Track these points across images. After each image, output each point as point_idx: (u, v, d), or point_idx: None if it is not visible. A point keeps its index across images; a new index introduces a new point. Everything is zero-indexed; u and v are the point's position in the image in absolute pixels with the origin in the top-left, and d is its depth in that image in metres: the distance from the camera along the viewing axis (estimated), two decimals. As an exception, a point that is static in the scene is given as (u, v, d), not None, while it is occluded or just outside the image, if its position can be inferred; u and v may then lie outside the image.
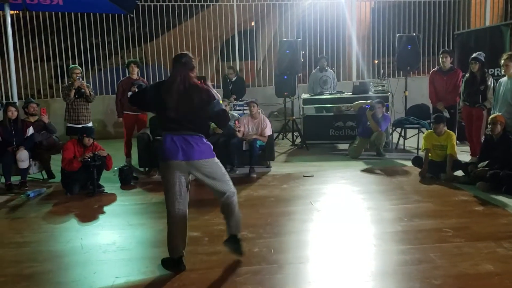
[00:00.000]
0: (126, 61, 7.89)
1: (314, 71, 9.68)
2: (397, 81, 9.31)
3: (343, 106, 9.29)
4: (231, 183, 3.61)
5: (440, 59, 7.62)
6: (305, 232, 4.34)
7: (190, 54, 3.50)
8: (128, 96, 7.13)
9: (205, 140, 3.47)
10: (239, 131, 6.97)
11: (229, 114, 7.23)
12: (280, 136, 9.52)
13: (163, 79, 10.90)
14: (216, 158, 3.54)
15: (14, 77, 7.66)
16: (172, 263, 3.51)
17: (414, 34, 9.38)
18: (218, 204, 3.64)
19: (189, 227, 4.21)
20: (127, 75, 7.52)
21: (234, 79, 9.20)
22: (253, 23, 13.08)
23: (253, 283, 3.29)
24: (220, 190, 3.53)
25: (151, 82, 10.62)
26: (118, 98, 7.41)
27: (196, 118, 3.40)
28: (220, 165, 3.57)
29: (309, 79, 9.85)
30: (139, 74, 7.57)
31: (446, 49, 8.46)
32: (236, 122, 7.01)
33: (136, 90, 7.08)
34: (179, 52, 3.68)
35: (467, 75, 7.02)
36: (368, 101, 8.04)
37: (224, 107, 3.56)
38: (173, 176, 3.41)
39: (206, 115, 3.42)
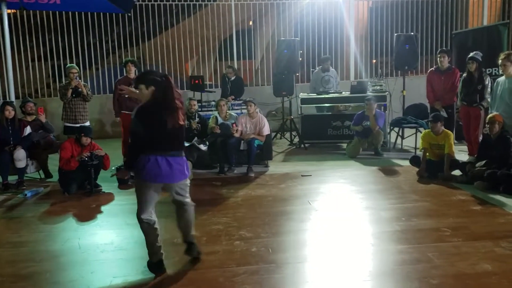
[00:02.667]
0: (123, 61, 7.88)
1: (316, 70, 9.63)
2: (395, 80, 9.32)
3: (340, 106, 9.30)
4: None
5: (438, 58, 7.62)
6: (303, 232, 4.34)
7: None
8: (126, 96, 7.08)
9: (184, 159, 3.51)
10: (236, 131, 6.98)
11: (228, 114, 7.34)
12: (278, 135, 9.52)
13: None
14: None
15: (11, 76, 7.66)
16: (154, 266, 3.50)
17: (412, 33, 9.39)
18: (214, 204, 3.65)
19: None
20: (124, 74, 7.50)
21: (233, 78, 9.19)
22: (251, 23, 13.07)
23: (251, 282, 3.29)
24: (182, 201, 3.61)
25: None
26: (115, 98, 7.39)
27: (181, 135, 3.47)
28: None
29: (311, 78, 9.82)
30: (136, 73, 7.54)
31: (444, 48, 8.47)
32: (233, 125, 7.02)
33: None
34: (156, 71, 3.73)
35: (465, 74, 7.02)
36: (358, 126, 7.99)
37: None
38: (149, 194, 3.41)
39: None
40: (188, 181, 3.59)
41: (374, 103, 7.82)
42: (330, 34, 11.49)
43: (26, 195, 5.83)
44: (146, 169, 3.28)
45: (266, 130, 7.12)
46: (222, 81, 9.49)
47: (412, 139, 8.04)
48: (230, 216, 4.80)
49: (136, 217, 3.44)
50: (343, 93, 8.97)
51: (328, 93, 9.02)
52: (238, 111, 8.35)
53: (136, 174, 3.40)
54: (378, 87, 8.76)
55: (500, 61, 6.32)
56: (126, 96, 7.08)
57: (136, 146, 3.34)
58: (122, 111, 7.38)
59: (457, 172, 6.17)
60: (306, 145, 8.64)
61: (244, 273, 3.43)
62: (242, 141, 6.96)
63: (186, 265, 3.57)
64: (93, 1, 8.11)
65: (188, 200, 3.63)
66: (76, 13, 10.50)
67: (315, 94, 9.07)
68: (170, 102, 3.33)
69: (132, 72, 7.37)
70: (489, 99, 6.69)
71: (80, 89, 7.00)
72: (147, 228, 3.44)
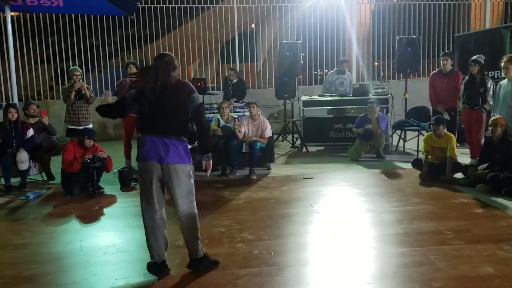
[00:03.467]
0: (125, 62, 7.90)
1: (331, 72, 9.55)
2: (397, 83, 9.32)
3: (351, 109, 9.31)
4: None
5: (441, 61, 7.62)
6: (305, 234, 4.34)
7: (172, 54, 3.50)
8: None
9: (185, 144, 3.41)
10: (239, 131, 6.96)
11: (230, 116, 7.34)
12: (280, 138, 9.52)
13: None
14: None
15: (14, 79, 7.67)
16: (155, 267, 3.44)
17: (414, 36, 9.40)
18: (216, 206, 3.63)
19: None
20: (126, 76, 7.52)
21: (235, 81, 9.19)
22: (253, 25, 13.10)
23: (253, 285, 3.28)
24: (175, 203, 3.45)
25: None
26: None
27: (177, 119, 3.36)
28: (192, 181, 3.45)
29: (324, 79, 9.76)
30: (139, 76, 7.56)
31: (447, 51, 8.47)
32: (236, 120, 7.01)
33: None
34: (161, 52, 3.67)
35: (467, 77, 7.02)
36: (359, 129, 7.99)
37: (201, 101, 3.56)
38: (148, 176, 3.37)
39: (187, 115, 3.38)
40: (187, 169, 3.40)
41: (377, 106, 7.82)
42: (332, 36, 11.50)
43: (28, 197, 5.84)
44: (142, 149, 3.42)
45: (268, 133, 7.12)
46: (224, 84, 9.50)
47: (414, 142, 8.03)
48: (232, 218, 4.80)
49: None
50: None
51: (330, 95, 9.01)
52: (240, 114, 8.35)
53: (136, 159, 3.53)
54: (380, 90, 8.76)
55: (502, 64, 6.32)
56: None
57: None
58: (125, 114, 7.40)
59: (459, 175, 6.17)
60: (308, 148, 8.63)
61: (246, 275, 3.43)
62: (244, 144, 6.97)
63: (187, 267, 3.57)
64: (96, 3, 8.12)
65: (182, 202, 3.39)
66: (79, 15, 10.54)
67: (316, 96, 9.08)
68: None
69: (134, 74, 7.39)
70: (491, 102, 6.68)
71: (83, 92, 7.02)
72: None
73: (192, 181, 3.44)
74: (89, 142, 6.00)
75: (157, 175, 3.36)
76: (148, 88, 3.38)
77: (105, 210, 5.36)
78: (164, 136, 3.32)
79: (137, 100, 3.41)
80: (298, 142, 9.03)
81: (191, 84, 3.52)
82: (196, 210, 3.46)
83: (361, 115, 8.09)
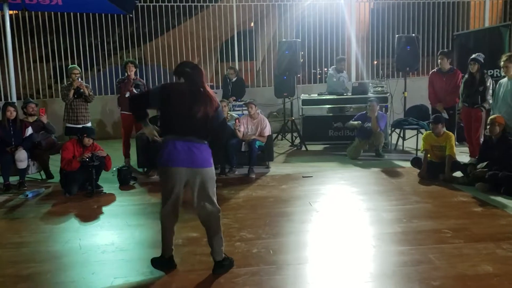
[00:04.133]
0: (124, 61, 7.89)
1: (331, 72, 9.55)
2: (396, 82, 9.31)
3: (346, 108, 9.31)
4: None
5: (438, 60, 7.62)
6: (304, 233, 4.34)
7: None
8: (126, 95, 7.11)
9: (207, 147, 3.42)
10: (239, 130, 6.96)
11: (228, 115, 7.33)
12: (279, 136, 9.52)
13: (162, 79, 10.97)
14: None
15: (13, 77, 7.67)
16: (164, 262, 3.52)
17: (414, 35, 9.39)
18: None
19: (188, 228, 4.22)
20: (125, 75, 7.51)
21: (234, 79, 9.19)
22: (252, 24, 13.08)
23: (252, 284, 3.28)
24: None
25: (150, 83, 10.62)
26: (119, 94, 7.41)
27: (203, 126, 3.36)
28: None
29: (328, 79, 9.74)
30: (137, 74, 7.56)
31: (444, 50, 8.47)
32: (236, 121, 7.00)
33: (134, 90, 7.08)
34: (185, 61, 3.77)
35: (466, 76, 7.02)
36: (357, 122, 8.00)
37: (224, 117, 3.58)
38: (171, 182, 3.36)
39: (211, 124, 3.39)
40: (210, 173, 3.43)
41: (377, 104, 7.82)
42: (331, 35, 11.50)
43: (27, 195, 5.84)
44: (166, 153, 3.35)
45: (268, 131, 7.12)
46: (224, 82, 9.49)
47: (414, 141, 8.04)
48: (231, 217, 4.80)
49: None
50: (345, 94, 8.98)
51: (329, 94, 9.02)
52: (240, 112, 8.35)
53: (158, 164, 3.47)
54: (379, 89, 8.76)
55: (502, 63, 6.32)
56: (126, 95, 7.14)
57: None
58: (122, 112, 7.40)
59: (458, 174, 6.17)
60: (307, 146, 8.63)
61: (245, 274, 3.43)
62: (243, 142, 6.96)
63: (186, 266, 3.57)
64: (95, 2, 8.11)
65: (208, 203, 3.44)
66: (78, 14, 10.52)
67: (316, 95, 9.08)
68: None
69: (133, 73, 7.38)
70: (490, 101, 6.68)
71: (82, 90, 7.01)
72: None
73: (215, 182, 3.50)
74: (88, 141, 5.99)
75: (183, 180, 3.37)
76: (184, 91, 3.35)
77: (104, 209, 5.36)
78: (190, 141, 3.32)
79: (164, 101, 3.36)
80: (297, 141, 9.03)
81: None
82: (219, 208, 3.50)
83: (362, 112, 8.08)
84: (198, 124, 3.32)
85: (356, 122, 7.91)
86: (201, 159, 3.34)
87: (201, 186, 3.38)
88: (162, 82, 8.78)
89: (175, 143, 3.31)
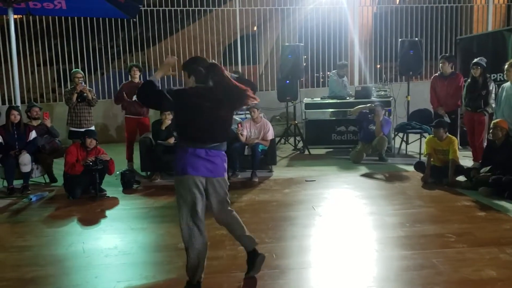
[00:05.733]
0: (128, 65, 7.91)
1: (334, 77, 9.50)
2: (400, 86, 9.31)
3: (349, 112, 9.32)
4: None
5: (440, 65, 7.62)
6: (307, 237, 4.33)
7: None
8: (133, 100, 7.13)
9: (224, 154, 3.22)
10: (242, 134, 6.96)
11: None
12: (282, 140, 9.52)
13: (165, 84, 10.98)
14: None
15: (17, 81, 7.69)
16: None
17: (417, 39, 9.37)
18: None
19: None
20: (129, 79, 7.54)
21: None
22: (255, 28, 13.10)
23: (255, 288, 3.28)
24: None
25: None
26: (120, 99, 7.41)
27: (227, 126, 3.21)
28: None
29: (330, 83, 9.75)
30: (141, 78, 7.59)
31: (445, 54, 8.46)
32: (239, 125, 7.01)
33: None
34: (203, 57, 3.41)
35: (469, 80, 7.01)
36: (368, 105, 8.07)
37: None
38: (190, 193, 3.08)
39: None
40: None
41: (382, 109, 7.81)
42: (334, 39, 11.50)
43: (31, 199, 5.85)
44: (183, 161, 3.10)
45: (271, 135, 7.12)
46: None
47: (417, 145, 8.03)
48: (234, 221, 4.79)
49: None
50: (348, 98, 8.98)
51: (332, 98, 9.02)
52: (243, 116, 8.36)
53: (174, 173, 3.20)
54: (382, 92, 8.76)
55: (506, 67, 6.33)
56: (132, 100, 7.17)
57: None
58: (126, 116, 7.42)
59: (461, 178, 6.15)
60: (310, 150, 8.63)
61: (248, 278, 3.43)
62: (246, 146, 6.97)
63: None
64: (99, 6, 8.15)
65: (223, 210, 3.30)
66: (82, 18, 10.56)
67: (319, 99, 9.09)
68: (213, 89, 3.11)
69: (137, 77, 7.42)
70: (493, 105, 6.68)
71: (85, 94, 7.04)
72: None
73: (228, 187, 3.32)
74: (90, 142, 6.00)
75: (200, 189, 3.11)
76: (207, 94, 3.08)
77: (107, 213, 5.37)
78: (210, 148, 3.09)
79: (183, 105, 3.09)
80: (300, 145, 9.03)
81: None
82: (233, 210, 3.39)
83: (364, 111, 8.05)
84: (223, 129, 3.18)
85: (357, 108, 8.05)
86: (221, 168, 3.18)
87: (218, 194, 3.22)
88: (166, 87, 8.82)
89: (196, 150, 3.08)
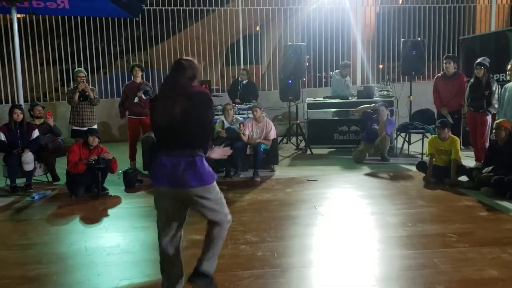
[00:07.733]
0: (130, 65, 7.93)
1: (336, 77, 9.50)
2: (402, 86, 9.30)
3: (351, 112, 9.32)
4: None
5: (444, 64, 7.62)
6: (309, 236, 4.34)
7: (194, 60, 2.95)
8: (135, 101, 7.21)
9: (203, 159, 2.84)
10: (244, 134, 6.96)
11: (234, 118, 7.35)
12: (284, 140, 9.52)
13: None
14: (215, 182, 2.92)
15: (20, 80, 7.71)
16: None
17: (419, 39, 9.36)
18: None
19: (192, 230, 4.22)
20: (132, 79, 7.55)
21: (245, 81, 9.15)
22: (258, 28, 13.11)
23: (256, 287, 3.29)
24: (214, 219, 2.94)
25: (156, 87, 10.66)
26: (122, 100, 7.48)
27: (199, 131, 2.82)
28: (217, 189, 2.95)
29: (332, 84, 9.73)
30: (143, 78, 7.60)
31: (449, 54, 8.46)
32: (241, 125, 7.02)
33: (143, 95, 7.17)
34: (179, 57, 3.06)
35: (472, 80, 7.00)
36: (372, 104, 8.07)
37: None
38: (162, 204, 2.92)
39: (209, 126, 2.87)
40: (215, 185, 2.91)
41: (386, 109, 7.81)
42: (337, 39, 11.50)
43: (33, 197, 5.87)
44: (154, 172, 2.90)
45: (273, 135, 7.12)
46: (233, 84, 9.46)
47: (419, 145, 8.02)
48: (236, 220, 4.78)
49: None
50: (350, 98, 8.98)
51: (334, 97, 9.02)
52: (245, 116, 8.36)
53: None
54: (385, 92, 8.75)
55: (509, 67, 6.32)
56: (135, 101, 7.22)
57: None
58: (129, 116, 7.45)
59: (463, 178, 6.15)
60: (312, 150, 8.63)
61: (250, 277, 3.44)
62: (248, 146, 6.97)
63: (190, 269, 3.57)
64: (102, 6, 8.16)
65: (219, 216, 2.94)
66: (85, 18, 10.58)
67: (321, 99, 9.09)
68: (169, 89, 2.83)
69: (139, 77, 7.43)
70: (496, 105, 6.66)
71: (87, 93, 7.06)
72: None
73: (220, 194, 2.95)
74: (92, 140, 6.01)
75: (176, 202, 2.91)
76: (164, 96, 2.84)
77: (110, 211, 5.38)
78: (181, 155, 2.78)
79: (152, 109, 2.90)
80: (302, 144, 9.03)
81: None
82: (229, 220, 3.03)
83: (368, 111, 8.05)
84: (193, 133, 2.81)
85: (359, 111, 8.08)
86: (198, 177, 2.80)
87: (205, 205, 2.89)
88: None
89: (166, 158, 2.81)
